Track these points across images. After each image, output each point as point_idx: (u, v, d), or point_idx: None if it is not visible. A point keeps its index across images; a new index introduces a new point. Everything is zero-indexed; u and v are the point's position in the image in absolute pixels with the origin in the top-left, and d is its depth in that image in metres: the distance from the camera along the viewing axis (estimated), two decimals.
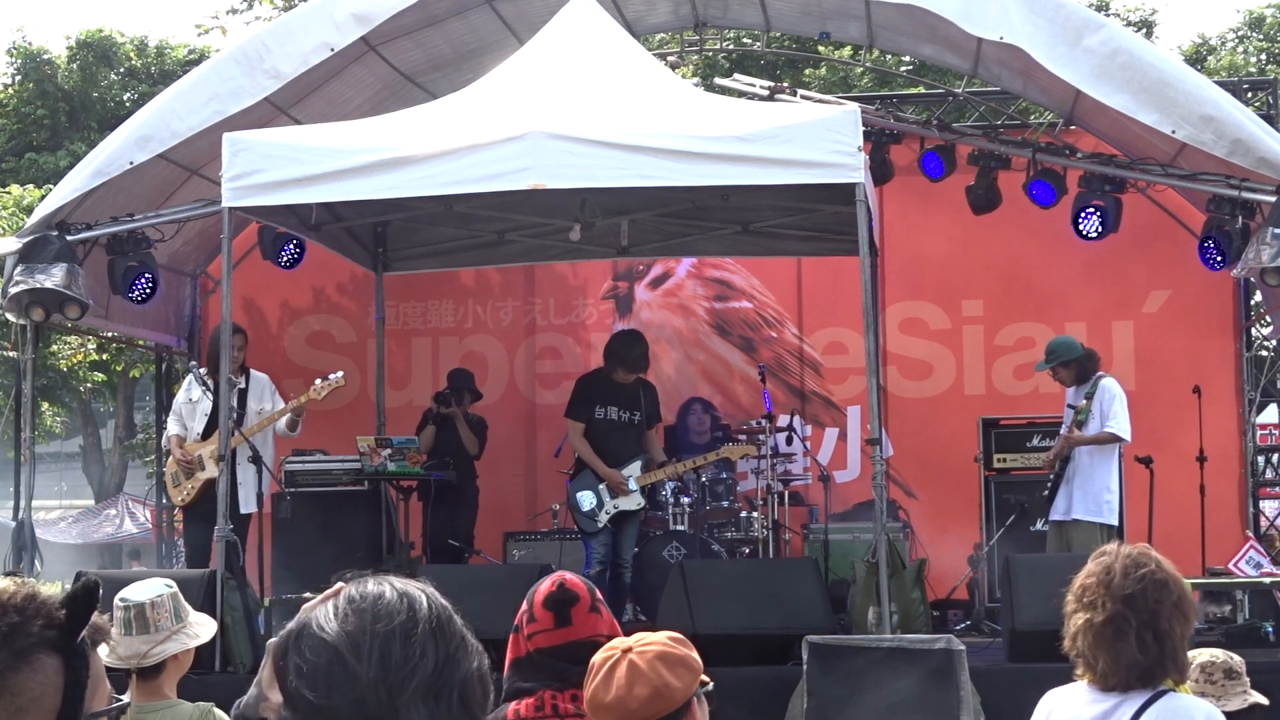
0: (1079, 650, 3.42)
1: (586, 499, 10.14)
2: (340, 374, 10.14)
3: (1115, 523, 9.70)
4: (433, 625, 1.91)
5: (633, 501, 10.17)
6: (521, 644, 3.44)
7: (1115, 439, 9.67)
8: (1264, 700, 4.55)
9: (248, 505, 9.87)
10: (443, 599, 1.98)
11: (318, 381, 10.07)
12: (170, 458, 10.37)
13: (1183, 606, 3.38)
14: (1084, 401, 9.75)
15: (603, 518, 10.11)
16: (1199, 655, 4.62)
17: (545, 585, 3.46)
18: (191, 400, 10.22)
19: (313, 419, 10.87)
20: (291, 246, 11.51)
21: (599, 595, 3.48)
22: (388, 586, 1.97)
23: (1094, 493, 9.67)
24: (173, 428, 10.36)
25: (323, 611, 1.94)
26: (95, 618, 2.32)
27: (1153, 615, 3.34)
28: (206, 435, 10.04)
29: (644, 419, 10.35)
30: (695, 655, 2.97)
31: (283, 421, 10.19)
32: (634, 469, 10.19)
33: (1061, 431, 9.97)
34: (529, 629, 3.43)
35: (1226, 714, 4.42)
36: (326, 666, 1.87)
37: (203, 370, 10.17)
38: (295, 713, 1.88)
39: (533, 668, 3.40)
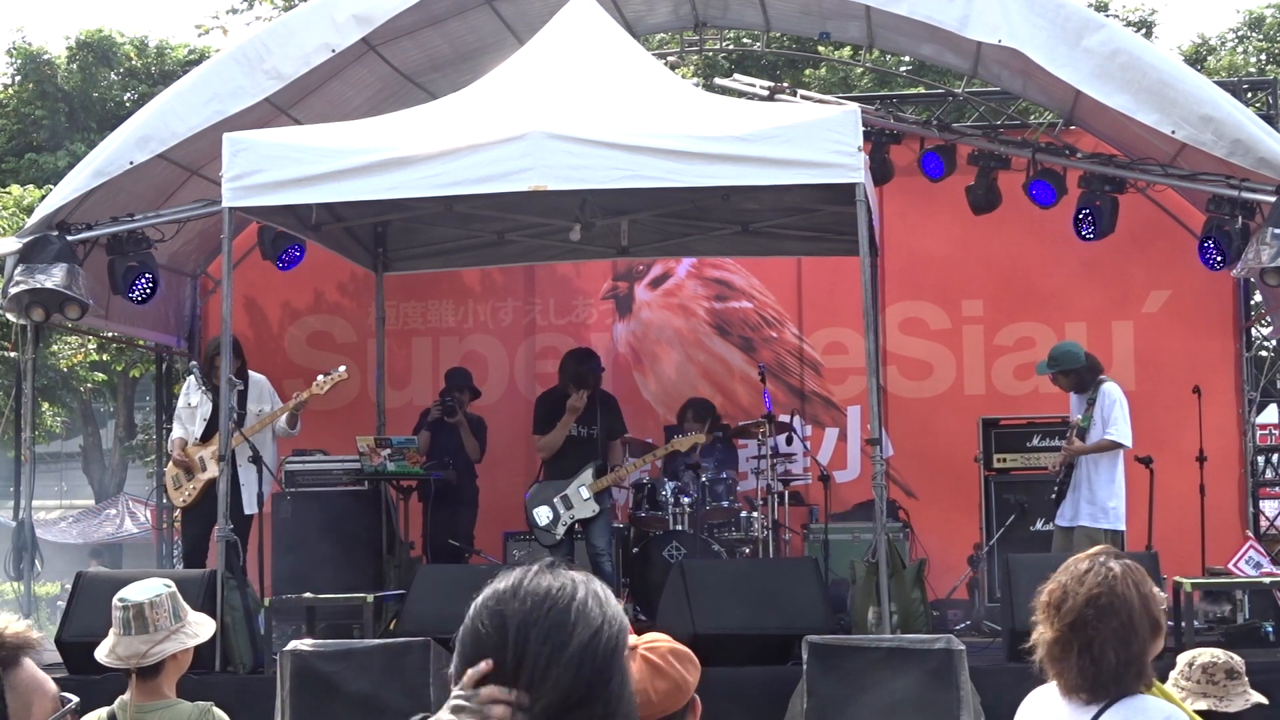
0: (1040, 660, 3.50)
1: (543, 514, 10.34)
2: (342, 368, 10.15)
3: (1120, 528, 9.69)
4: (585, 657, 1.90)
5: (587, 509, 10.32)
6: None
7: (1115, 446, 9.65)
8: (1264, 700, 4.56)
9: (250, 506, 9.86)
10: (628, 636, 1.96)
11: (320, 377, 10.07)
12: (171, 460, 10.37)
13: (1128, 631, 3.40)
14: (1086, 408, 9.74)
15: (560, 530, 10.29)
16: (1200, 655, 4.62)
17: None
18: (191, 405, 10.21)
19: (313, 419, 10.87)
20: (291, 249, 11.53)
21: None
22: (579, 595, 1.94)
23: (1098, 500, 9.65)
24: (176, 432, 10.39)
25: (513, 579, 1.96)
26: (21, 633, 2.30)
27: (1090, 640, 3.40)
28: (206, 438, 10.03)
29: (602, 432, 10.50)
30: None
31: (283, 419, 10.19)
32: (586, 477, 10.33)
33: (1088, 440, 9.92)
34: None
35: (1228, 714, 4.43)
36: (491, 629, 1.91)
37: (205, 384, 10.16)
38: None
39: None
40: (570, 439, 10.43)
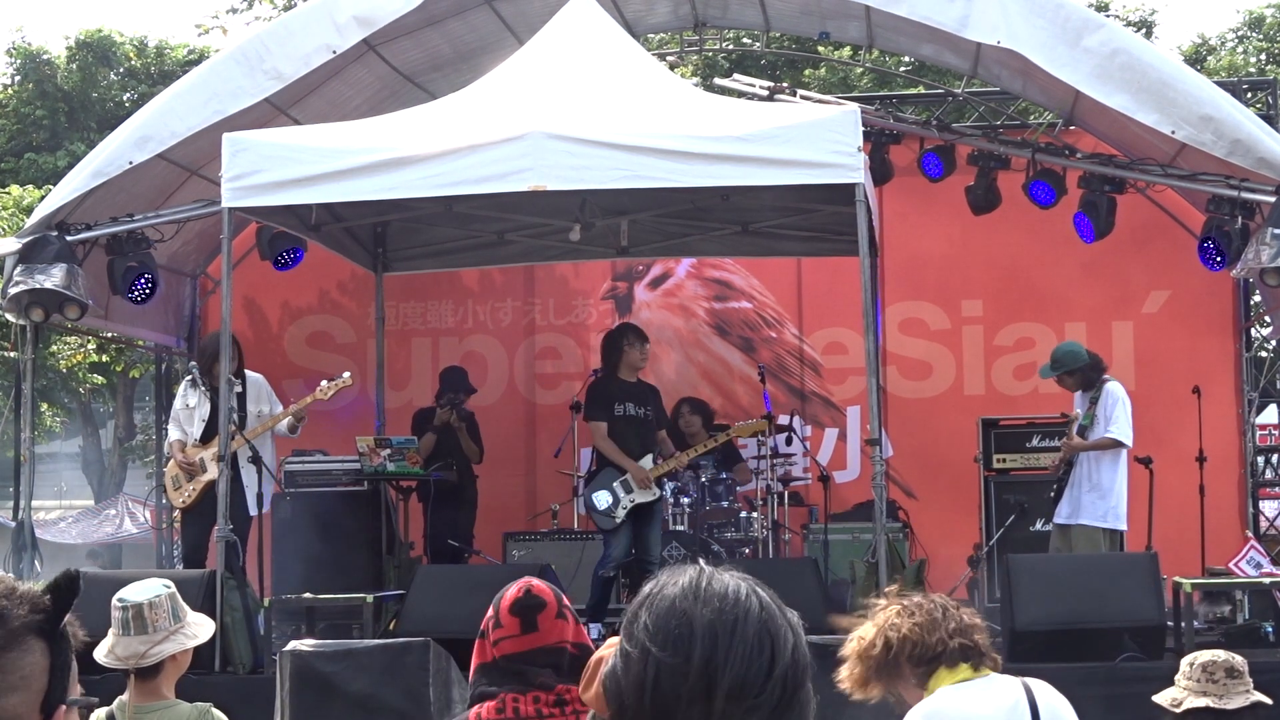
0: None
1: (602, 498, 10.01)
2: (347, 375, 10.13)
3: (1122, 527, 9.68)
4: (789, 671, 1.81)
5: (649, 494, 10.03)
6: (488, 650, 3.42)
7: (1115, 444, 9.64)
8: (1267, 700, 4.56)
9: (251, 508, 9.85)
10: (805, 645, 1.85)
11: (324, 383, 10.06)
12: (170, 461, 10.35)
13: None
14: (1089, 406, 9.74)
15: (620, 514, 9.96)
16: (1200, 655, 4.63)
17: (512, 591, 3.44)
18: (189, 406, 10.19)
19: (313, 419, 10.86)
20: (287, 253, 11.48)
21: (565, 601, 3.47)
22: (764, 599, 1.85)
23: (1099, 498, 9.64)
24: (173, 434, 10.34)
25: (686, 581, 1.85)
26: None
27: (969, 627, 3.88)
28: (205, 440, 10.01)
29: (654, 416, 10.30)
30: None
31: (284, 423, 10.18)
32: (646, 462, 10.06)
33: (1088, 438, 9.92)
34: (495, 635, 3.41)
35: (1229, 712, 4.44)
36: (678, 639, 1.80)
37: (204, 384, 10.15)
38: (629, 669, 1.81)
39: (498, 672, 3.39)
40: (631, 419, 10.13)
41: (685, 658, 1.78)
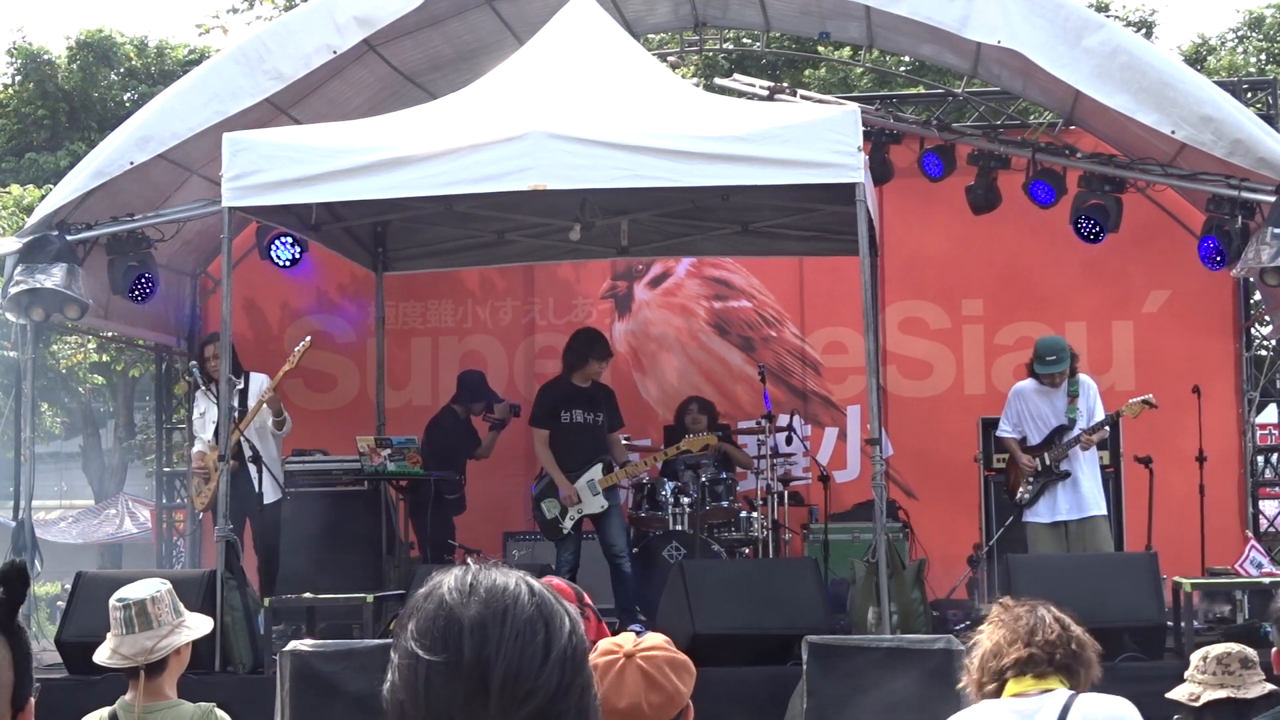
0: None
1: (550, 507, 10.11)
2: (307, 339, 9.97)
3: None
4: (566, 655, 1.75)
5: (595, 505, 10.08)
6: None
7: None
8: (1278, 688, 4.57)
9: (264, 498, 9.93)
10: (582, 632, 1.80)
11: (293, 353, 10.02)
12: (192, 468, 10.48)
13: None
14: (1069, 401, 9.80)
15: (567, 524, 10.07)
16: (1213, 649, 4.64)
17: None
18: (200, 414, 10.30)
19: (313, 419, 10.88)
20: (288, 243, 11.29)
21: (587, 599, 3.48)
22: (537, 590, 1.79)
23: (1098, 487, 9.82)
24: (196, 446, 10.46)
25: (451, 581, 1.78)
26: None
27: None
28: (216, 441, 10.05)
29: (606, 421, 10.31)
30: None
31: (270, 421, 10.14)
32: (595, 472, 10.10)
33: (1075, 432, 9.88)
34: None
35: (1249, 701, 4.46)
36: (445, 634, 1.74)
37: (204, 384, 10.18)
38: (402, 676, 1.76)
39: None
40: (579, 426, 10.17)
41: (455, 655, 1.73)
